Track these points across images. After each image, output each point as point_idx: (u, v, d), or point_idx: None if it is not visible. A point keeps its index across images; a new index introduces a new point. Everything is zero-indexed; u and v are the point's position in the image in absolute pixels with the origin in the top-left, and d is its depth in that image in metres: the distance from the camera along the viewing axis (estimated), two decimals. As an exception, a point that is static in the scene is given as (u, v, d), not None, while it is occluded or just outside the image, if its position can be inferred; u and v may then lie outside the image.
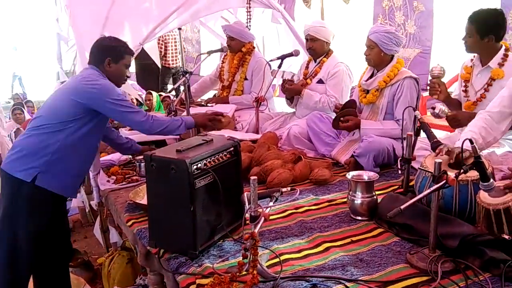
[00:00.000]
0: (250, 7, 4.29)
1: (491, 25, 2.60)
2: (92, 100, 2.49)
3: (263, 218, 1.76)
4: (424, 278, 1.70)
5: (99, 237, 3.72)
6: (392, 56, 3.06)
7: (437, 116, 2.55)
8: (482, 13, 2.63)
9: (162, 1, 4.06)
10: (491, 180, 1.74)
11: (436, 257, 1.76)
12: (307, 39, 3.60)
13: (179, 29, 6.12)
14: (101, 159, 3.19)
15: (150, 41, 4.34)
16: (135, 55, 2.93)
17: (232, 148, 2.09)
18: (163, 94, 6.01)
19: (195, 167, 1.85)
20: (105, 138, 2.93)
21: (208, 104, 4.05)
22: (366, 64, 3.17)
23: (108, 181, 3.00)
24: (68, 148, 2.47)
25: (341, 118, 3.08)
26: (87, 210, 4.66)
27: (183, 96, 3.65)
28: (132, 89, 5.02)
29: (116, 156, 3.33)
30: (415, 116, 2.78)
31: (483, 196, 1.88)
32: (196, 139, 2.14)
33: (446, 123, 3.78)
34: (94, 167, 3.15)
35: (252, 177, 1.73)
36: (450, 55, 4.45)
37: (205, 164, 1.90)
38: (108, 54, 2.62)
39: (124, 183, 2.93)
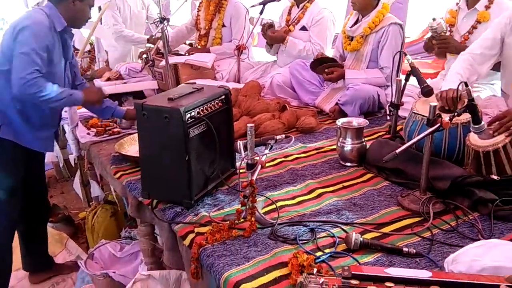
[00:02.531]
0: None
1: None
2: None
3: (260, 166, 1.76)
4: (417, 219, 1.75)
5: (78, 192, 3.65)
6: (378, 1, 2.98)
7: (433, 30, 2.52)
8: None
9: None
10: (483, 122, 1.78)
11: (427, 198, 1.82)
12: None
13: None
14: (78, 111, 3.07)
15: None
16: None
17: (223, 96, 2.04)
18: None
19: (188, 115, 1.79)
20: None
21: (187, 54, 3.91)
22: (346, 11, 3.09)
23: (88, 133, 2.89)
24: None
25: (326, 70, 3.04)
26: (61, 165, 4.54)
27: (159, 45, 3.50)
28: (107, 33, 4.68)
29: (93, 108, 3.20)
30: (399, 63, 2.78)
31: (473, 138, 1.92)
32: (186, 87, 2.07)
33: (429, 70, 3.81)
34: (71, 120, 3.04)
35: (249, 125, 1.71)
36: (427, 3, 4.43)
37: (198, 113, 1.85)
38: None
39: (105, 135, 2.84)
